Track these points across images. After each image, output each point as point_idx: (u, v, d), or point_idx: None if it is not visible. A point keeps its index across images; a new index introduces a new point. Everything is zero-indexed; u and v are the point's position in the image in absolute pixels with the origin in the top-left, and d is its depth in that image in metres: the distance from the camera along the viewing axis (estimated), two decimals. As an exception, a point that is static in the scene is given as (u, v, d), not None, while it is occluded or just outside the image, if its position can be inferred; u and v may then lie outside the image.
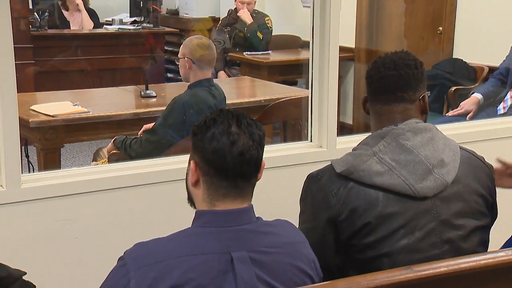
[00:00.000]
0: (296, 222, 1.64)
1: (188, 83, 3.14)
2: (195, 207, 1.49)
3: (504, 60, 4.00)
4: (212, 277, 1.35)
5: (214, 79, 3.31)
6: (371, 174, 1.56)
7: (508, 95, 3.82)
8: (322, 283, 1.41)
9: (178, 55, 3.17)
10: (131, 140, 3.13)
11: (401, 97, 1.65)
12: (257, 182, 1.55)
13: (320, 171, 1.65)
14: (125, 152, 3.11)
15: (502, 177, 1.84)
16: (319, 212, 1.61)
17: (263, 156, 1.47)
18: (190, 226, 1.45)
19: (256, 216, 1.47)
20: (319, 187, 1.61)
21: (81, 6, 5.72)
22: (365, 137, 1.69)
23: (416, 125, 1.62)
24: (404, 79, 1.65)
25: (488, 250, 1.65)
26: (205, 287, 1.34)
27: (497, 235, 1.75)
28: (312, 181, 1.64)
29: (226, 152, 1.39)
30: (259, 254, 1.40)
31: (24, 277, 1.53)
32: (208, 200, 1.44)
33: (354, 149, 1.66)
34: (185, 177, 1.51)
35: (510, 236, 1.74)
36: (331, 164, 1.63)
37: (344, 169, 1.58)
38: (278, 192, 2.35)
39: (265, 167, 1.48)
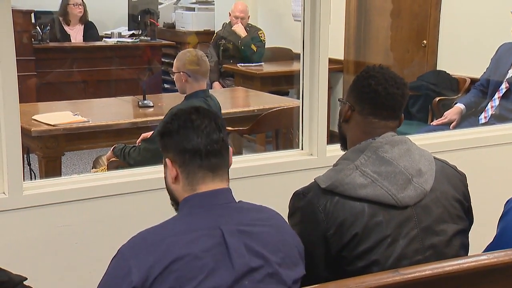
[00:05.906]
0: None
1: (185, 94, 3.15)
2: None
3: (484, 72, 4.03)
4: (208, 249, 1.40)
5: (209, 90, 3.32)
6: (356, 187, 1.58)
7: (489, 105, 3.87)
8: (312, 286, 1.44)
9: (173, 69, 3.17)
10: (130, 148, 3.15)
11: (399, 115, 1.71)
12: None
13: (305, 188, 1.64)
14: (124, 160, 3.14)
15: None
16: (308, 229, 1.61)
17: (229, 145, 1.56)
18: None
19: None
20: (306, 204, 1.61)
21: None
22: (344, 153, 1.71)
23: (392, 138, 1.66)
24: (405, 99, 1.70)
25: (468, 254, 1.69)
26: (202, 259, 1.38)
27: (478, 240, 1.79)
28: (298, 198, 1.64)
29: (195, 135, 1.48)
30: (246, 226, 1.46)
31: (25, 283, 1.55)
32: (189, 188, 1.50)
33: (335, 165, 1.68)
34: (164, 181, 1.57)
35: (492, 240, 1.75)
36: (315, 181, 1.63)
37: (329, 184, 1.59)
38: (270, 198, 2.25)
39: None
